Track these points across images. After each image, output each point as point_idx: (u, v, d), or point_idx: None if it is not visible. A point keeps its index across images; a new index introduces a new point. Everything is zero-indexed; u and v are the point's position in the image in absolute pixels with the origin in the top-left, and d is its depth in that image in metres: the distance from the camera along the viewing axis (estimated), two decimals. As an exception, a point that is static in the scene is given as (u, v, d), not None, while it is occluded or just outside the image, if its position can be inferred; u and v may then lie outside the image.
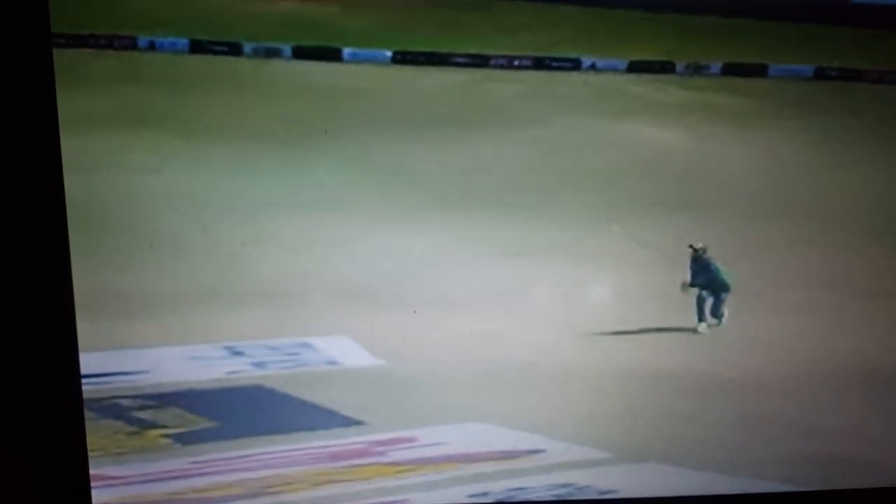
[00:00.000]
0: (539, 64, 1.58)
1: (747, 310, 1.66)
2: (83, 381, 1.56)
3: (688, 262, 1.64)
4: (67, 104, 1.48)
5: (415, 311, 1.61)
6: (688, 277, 1.65)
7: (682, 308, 1.65)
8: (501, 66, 1.58)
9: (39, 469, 1.60)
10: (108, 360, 1.57)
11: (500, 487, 1.66)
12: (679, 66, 1.60)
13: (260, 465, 1.62)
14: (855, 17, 1.56)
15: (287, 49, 1.57)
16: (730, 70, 1.60)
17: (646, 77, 1.59)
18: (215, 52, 1.55)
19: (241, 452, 1.62)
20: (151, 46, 1.52)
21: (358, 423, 1.63)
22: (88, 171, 1.51)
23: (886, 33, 1.57)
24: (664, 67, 1.59)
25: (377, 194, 1.58)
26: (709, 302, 1.66)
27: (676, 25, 1.55)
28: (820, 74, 1.60)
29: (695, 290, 1.66)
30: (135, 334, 1.57)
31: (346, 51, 1.59)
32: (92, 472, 1.59)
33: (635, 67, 1.59)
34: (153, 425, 1.60)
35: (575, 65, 1.58)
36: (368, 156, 1.57)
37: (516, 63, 1.58)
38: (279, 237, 1.58)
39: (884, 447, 1.71)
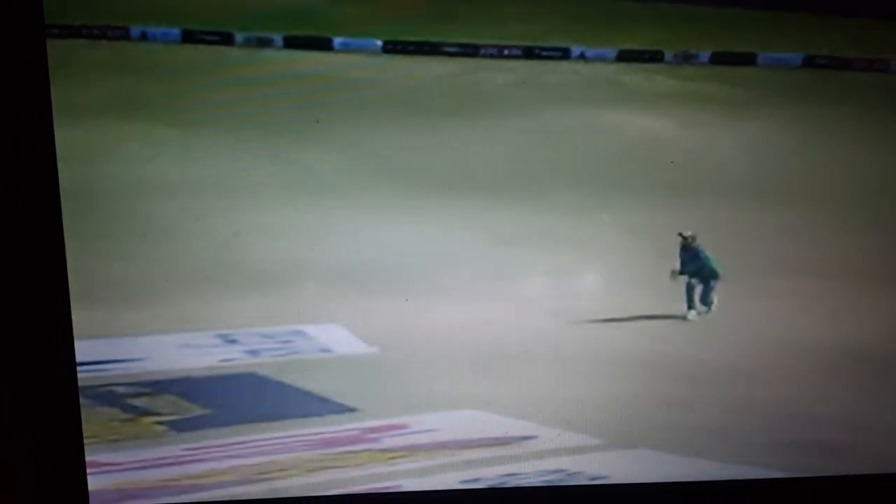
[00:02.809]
0: (529, 53, 1.58)
1: (736, 297, 1.66)
2: (78, 368, 1.58)
3: (677, 250, 1.65)
4: (61, 94, 1.48)
5: (407, 299, 1.62)
6: (677, 265, 1.65)
7: (672, 296, 1.66)
8: (492, 56, 1.59)
9: (36, 456, 1.62)
10: (103, 347, 1.58)
11: (492, 473, 1.67)
12: (668, 56, 1.60)
13: (254, 452, 1.63)
14: (843, 6, 1.56)
15: (278, 38, 1.57)
16: (719, 59, 1.60)
17: (635, 66, 1.59)
18: (207, 42, 1.56)
19: (235, 439, 1.63)
20: (144, 37, 1.53)
21: (351, 409, 1.64)
22: (82, 161, 1.52)
23: (874, 22, 1.58)
24: (653, 57, 1.60)
25: (369, 183, 1.59)
26: (698, 289, 1.67)
27: (665, 15, 1.56)
28: (809, 63, 1.61)
29: (684, 278, 1.66)
30: (129, 322, 1.58)
31: (337, 40, 1.59)
32: (87, 458, 1.60)
33: (625, 57, 1.59)
34: (148, 412, 1.61)
35: (565, 54, 1.59)
36: (360, 145, 1.58)
37: (506, 52, 1.58)
38: (272, 226, 1.59)
39: (872, 434, 1.71)
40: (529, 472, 1.67)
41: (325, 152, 1.58)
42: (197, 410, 1.62)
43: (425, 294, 1.62)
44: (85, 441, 1.59)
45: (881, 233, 1.66)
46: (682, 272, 1.66)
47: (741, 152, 1.62)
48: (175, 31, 1.55)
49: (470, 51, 1.59)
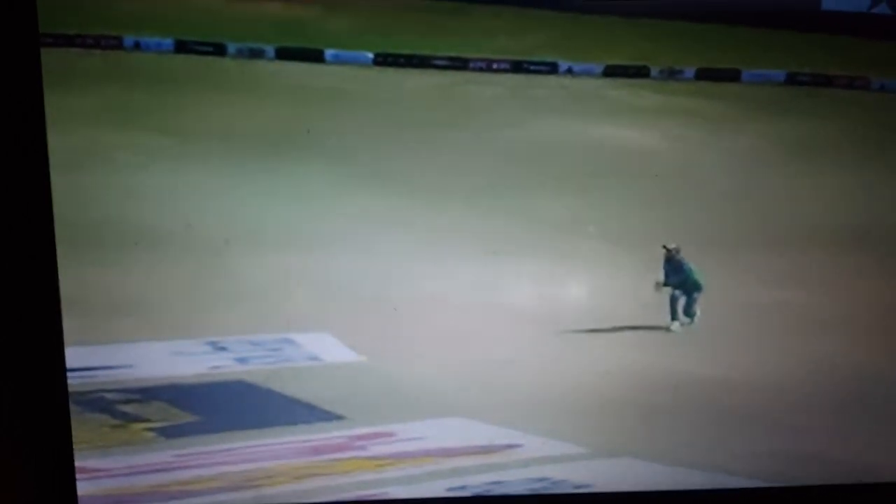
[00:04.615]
0: (517, 67, 1.60)
1: (719, 309, 1.69)
2: (69, 374, 1.59)
3: (661, 262, 1.67)
4: (54, 102, 1.50)
5: (395, 309, 1.63)
6: (661, 277, 1.67)
7: (656, 307, 1.68)
8: (480, 69, 1.61)
9: (25, 461, 1.62)
10: (93, 354, 1.59)
11: (477, 481, 1.69)
12: (654, 71, 1.62)
13: (242, 459, 1.64)
14: (825, 24, 1.59)
15: (270, 50, 1.59)
16: (703, 75, 1.62)
17: (621, 81, 1.61)
18: (200, 53, 1.57)
19: (223, 446, 1.64)
20: (137, 46, 1.55)
21: (339, 417, 1.65)
22: (74, 169, 1.54)
23: (855, 40, 1.60)
24: (639, 72, 1.62)
25: (358, 193, 1.61)
26: (681, 301, 1.69)
27: (651, 31, 1.58)
28: (791, 80, 1.63)
29: (668, 290, 1.68)
30: (120, 329, 1.59)
31: (329, 52, 1.61)
32: (77, 464, 1.61)
33: (611, 72, 1.61)
34: (137, 419, 1.62)
35: (552, 68, 1.61)
36: (350, 156, 1.60)
37: (495, 66, 1.60)
38: (262, 235, 1.60)
39: (853, 444, 1.74)
40: (515, 479, 1.69)
41: (316, 162, 1.59)
42: (186, 417, 1.63)
43: (413, 303, 1.63)
44: (74, 447, 1.60)
45: (862, 247, 1.69)
46: (665, 284, 1.68)
47: (725, 166, 1.64)
48: (168, 42, 1.56)
49: (459, 64, 1.61)
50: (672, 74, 1.62)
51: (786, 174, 1.65)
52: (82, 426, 1.61)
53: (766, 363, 1.69)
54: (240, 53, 1.58)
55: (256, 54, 1.58)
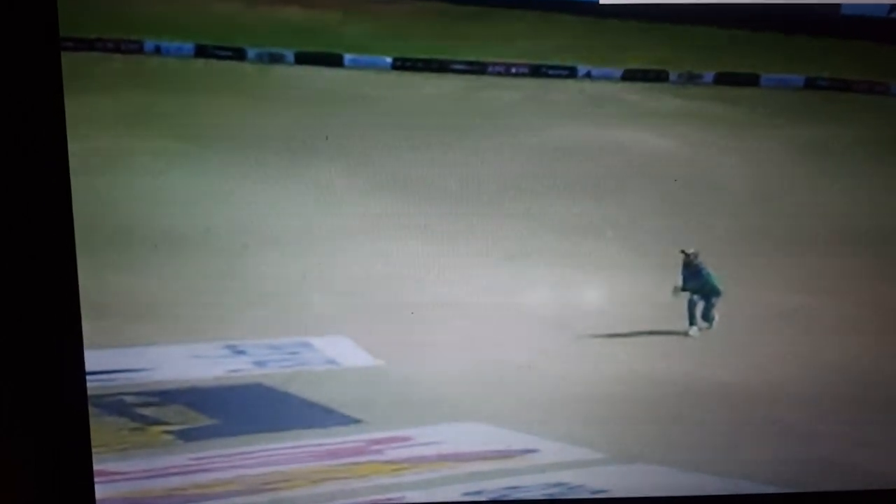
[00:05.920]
0: (536, 71, 1.60)
1: (737, 314, 1.68)
2: (88, 377, 1.60)
3: (679, 267, 1.66)
4: (74, 107, 1.51)
5: (412, 313, 1.64)
6: (679, 282, 1.67)
7: (674, 312, 1.68)
8: (499, 74, 1.61)
9: (44, 463, 1.63)
10: (112, 357, 1.60)
11: (494, 486, 1.69)
12: (672, 75, 1.62)
13: (260, 462, 1.65)
14: (844, 29, 1.59)
15: (290, 55, 1.59)
16: (722, 79, 1.62)
17: (640, 85, 1.61)
18: (220, 57, 1.58)
19: (241, 449, 1.65)
20: (157, 51, 1.55)
21: (356, 421, 1.66)
22: (94, 173, 1.55)
23: (874, 45, 1.60)
24: (658, 76, 1.62)
25: (376, 197, 1.61)
26: (700, 306, 1.69)
27: (670, 35, 1.58)
28: (810, 84, 1.63)
29: (686, 295, 1.68)
30: (139, 333, 1.60)
31: (348, 57, 1.61)
32: (95, 467, 1.62)
33: (630, 76, 1.61)
34: (156, 422, 1.63)
35: (571, 73, 1.61)
36: (368, 160, 1.60)
37: (513, 70, 1.60)
38: (280, 239, 1.61)
39: (870, 450, 1.73)
40: (531, 485, 1.69)
41: (334, 167, 1.60)
42: (204, 420, 1.63)
43: (431, 308, 1.64)
44: (93, 449, 1.61)
45: (882, 251, 1.68)
46: (684, 289, 1.67)
47: (743, 171, 1.64)
48: (188, 46, 1.57)
49: (478, 68, 1.61)
50: (691, 79, 1.62)
51: (804, 179, 1.65)
52: (101, 429, 1.62)
53: (784, 368, 1.69)
54: (259, 58, 1.58)
55: (276, 59, 1.59)
